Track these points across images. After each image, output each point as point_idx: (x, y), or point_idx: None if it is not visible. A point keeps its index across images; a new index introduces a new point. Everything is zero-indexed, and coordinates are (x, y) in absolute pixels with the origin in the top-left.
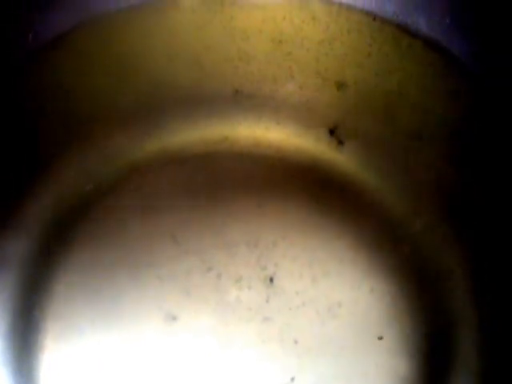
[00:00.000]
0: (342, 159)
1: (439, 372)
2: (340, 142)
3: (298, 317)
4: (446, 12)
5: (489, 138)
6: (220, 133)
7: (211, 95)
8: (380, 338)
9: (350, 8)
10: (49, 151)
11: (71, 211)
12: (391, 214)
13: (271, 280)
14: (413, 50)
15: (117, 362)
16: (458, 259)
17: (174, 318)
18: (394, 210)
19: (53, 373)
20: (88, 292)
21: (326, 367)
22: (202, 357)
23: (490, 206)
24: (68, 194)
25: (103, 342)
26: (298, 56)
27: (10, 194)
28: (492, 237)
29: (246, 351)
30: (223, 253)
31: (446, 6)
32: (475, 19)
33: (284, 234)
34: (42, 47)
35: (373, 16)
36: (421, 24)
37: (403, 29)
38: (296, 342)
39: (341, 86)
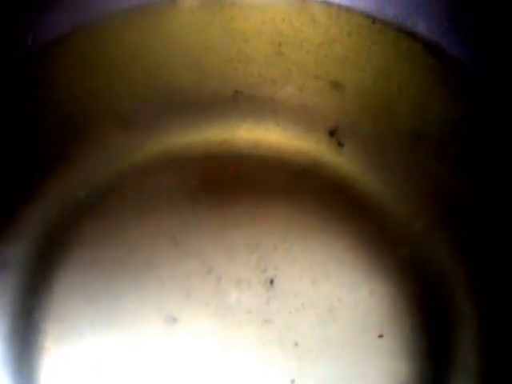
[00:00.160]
0: (341, 161)
1: (439, 372)
2: (340, 144)
3: (298, 319)
4: (445, 14)
5: (489, 138)
6: (220, 135)
7: (211, 96)
8: (380, 339)
9: (349, 10)
10: (48, 152)
11: (71, 212)
12: (391, 215)
13: (271, 282)
14: (412, 52)
15: (117, 363)
16: (458, 260)
17: (174, 320)
18: (394, 211)
19: (53, 374)
20: (88, 293)
21: (326, 369)
22: (202, 359)
23: (490, 206)
24: (68, 195)
25: (103, 343)
26: (298, 58)
27: (9, 195)
28: (492, 237)
29: (246, 353)
30: (223, 255)
31: (445, 8)
32: (474, 20)
33: (284, 236)
34: (41, 48)
35: (372, 19)
36: (420, 26)
37: (403, 31)
38: (296, 344)
39: (340, 87)
